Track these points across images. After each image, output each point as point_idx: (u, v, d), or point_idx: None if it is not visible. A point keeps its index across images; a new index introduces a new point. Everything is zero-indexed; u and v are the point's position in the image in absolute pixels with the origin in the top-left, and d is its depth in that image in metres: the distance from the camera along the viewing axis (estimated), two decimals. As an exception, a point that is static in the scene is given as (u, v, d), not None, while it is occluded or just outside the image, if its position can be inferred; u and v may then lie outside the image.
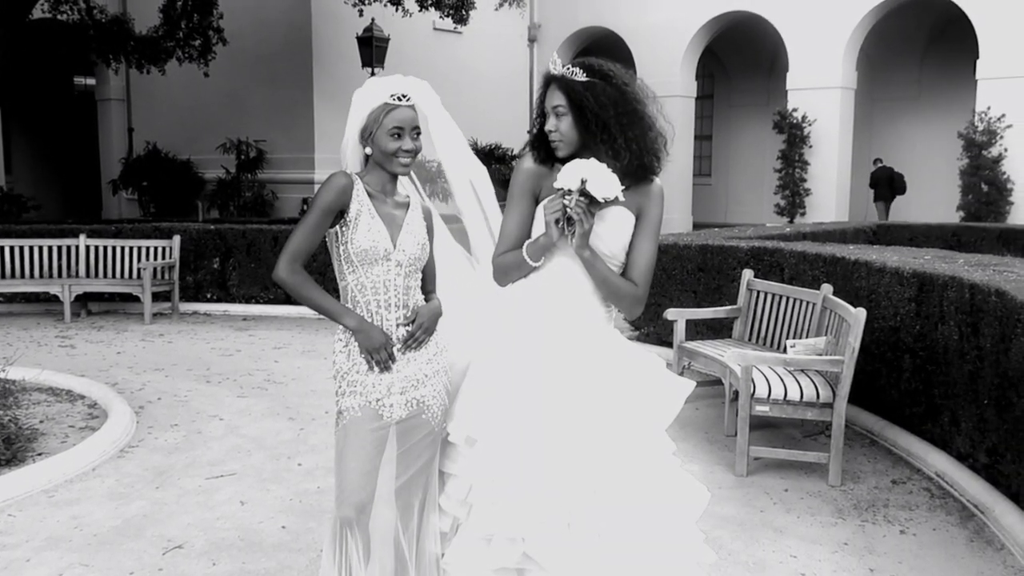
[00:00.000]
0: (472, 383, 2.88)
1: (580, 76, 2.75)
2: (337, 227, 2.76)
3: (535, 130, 2.91)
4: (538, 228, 2.81)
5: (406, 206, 2.87)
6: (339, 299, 2.82)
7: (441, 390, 2.88)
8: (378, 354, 2.77)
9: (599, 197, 2.64)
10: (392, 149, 2.74)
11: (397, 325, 2.81)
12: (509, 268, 2.83)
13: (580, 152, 2.80)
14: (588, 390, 2.78)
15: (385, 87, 2.75)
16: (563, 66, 2.79)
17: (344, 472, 2.78)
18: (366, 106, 2.77)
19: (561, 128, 2.76)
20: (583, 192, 2.65)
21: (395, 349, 2.81)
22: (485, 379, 2.84)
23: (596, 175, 2.65)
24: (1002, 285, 4.65)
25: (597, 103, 2.73)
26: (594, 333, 2.86)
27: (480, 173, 3.08)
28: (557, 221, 2.68)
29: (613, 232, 2.80)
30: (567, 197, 2.66)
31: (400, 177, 2.85)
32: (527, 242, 2.79)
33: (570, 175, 2.66)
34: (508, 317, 2.89)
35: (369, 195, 2.80)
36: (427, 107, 2.86)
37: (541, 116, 2.87)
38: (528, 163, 2.85)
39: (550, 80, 2.81)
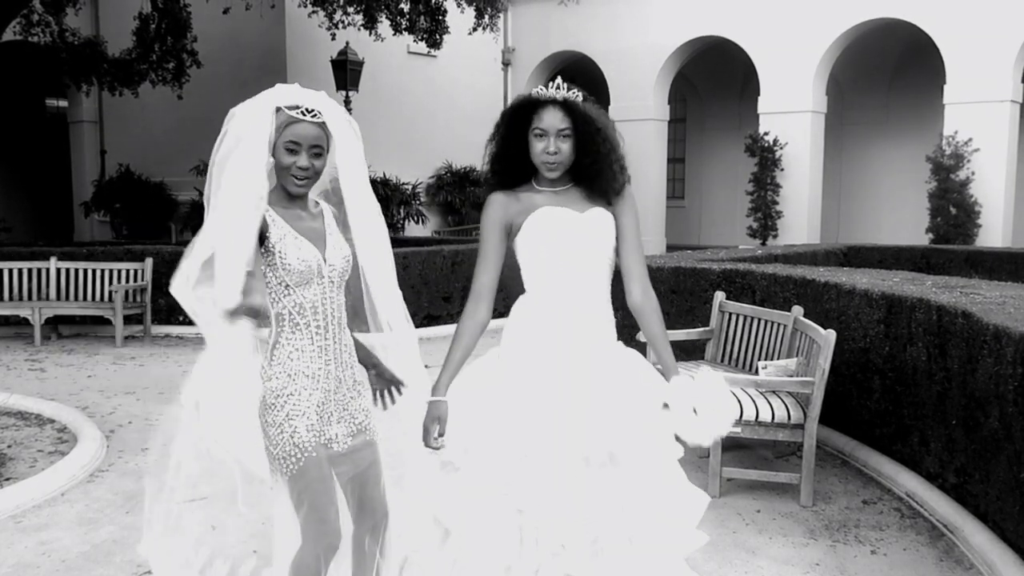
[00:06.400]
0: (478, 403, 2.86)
1: (581, 98, 2.79)
2: (262, 254, 2.63)
3: (499, 152, 2.87)
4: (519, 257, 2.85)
5: (320, 215, 2.78)
6: (274, 329, 2.70)
7: (368, 404, 2.93)
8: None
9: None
10: (286, 164, 2.62)
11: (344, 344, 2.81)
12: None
13: (565, 174, 2.83)
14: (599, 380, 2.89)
15: (296, 96, 2.62)
16: (568, 90, 2.79)
17: (320, 508, 2.76)
18: (268, 108, 2.62)
19: (564, 150, 2.77)
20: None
21: (348, 386, 2.84)
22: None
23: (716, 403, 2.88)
24: (968, 307, 4.71)
25: (599, 124, 2.79)
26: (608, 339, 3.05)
27: (376, 212, 2.80)
28: None
29: (603, 237, 2.89)
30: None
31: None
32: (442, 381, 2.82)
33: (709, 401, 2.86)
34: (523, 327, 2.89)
35: (279, 214, 2.67)
36: (336, 128, 2.67)
37: (515, 138, 2.83)
38: (496, 198, 2.84)
39: (550, 102, 2.78)
